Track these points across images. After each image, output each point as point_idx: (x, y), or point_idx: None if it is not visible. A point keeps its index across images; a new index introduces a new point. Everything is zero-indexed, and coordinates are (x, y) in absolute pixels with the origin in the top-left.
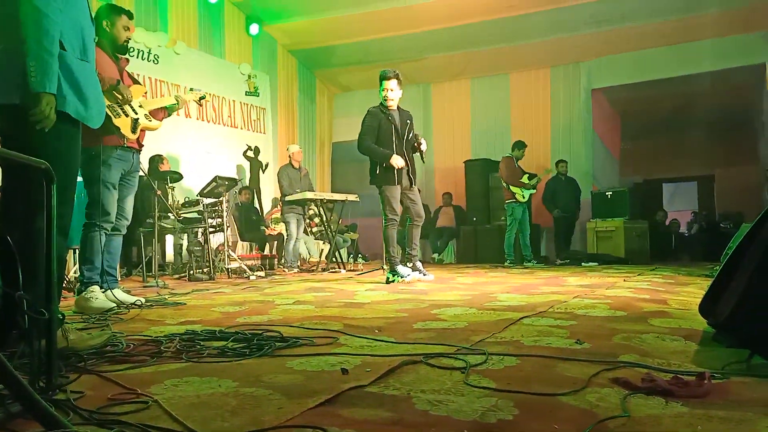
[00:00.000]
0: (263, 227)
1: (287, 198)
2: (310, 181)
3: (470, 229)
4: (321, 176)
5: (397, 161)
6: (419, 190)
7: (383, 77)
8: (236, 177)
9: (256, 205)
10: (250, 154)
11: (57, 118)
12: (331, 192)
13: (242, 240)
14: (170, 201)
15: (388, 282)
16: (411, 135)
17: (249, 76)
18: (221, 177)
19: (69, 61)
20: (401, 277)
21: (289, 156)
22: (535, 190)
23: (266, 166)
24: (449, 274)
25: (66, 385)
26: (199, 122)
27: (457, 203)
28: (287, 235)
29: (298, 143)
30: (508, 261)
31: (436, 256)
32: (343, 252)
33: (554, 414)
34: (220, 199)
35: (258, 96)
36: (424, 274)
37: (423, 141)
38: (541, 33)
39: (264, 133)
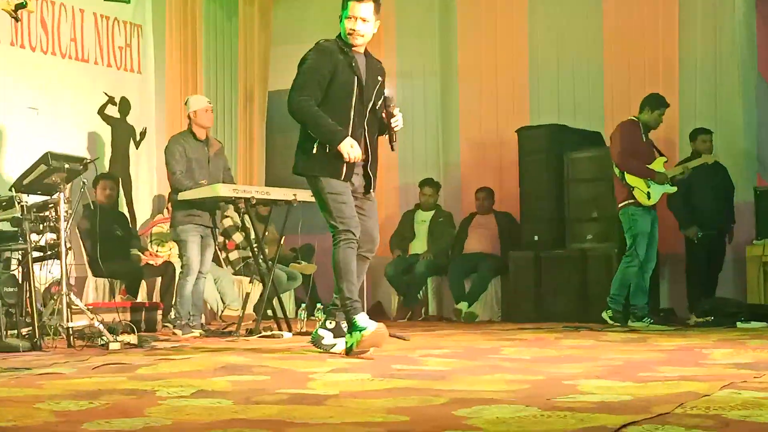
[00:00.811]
0: (136, 251)
1: (182, 196)
2: (226, 165)
3: (527, 258)
4: (247, 157)
5: (352, 150)
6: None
7: None
8: (85, 156)
9: (124, 209)
10: (113, 112)
11: None
12: (267, 185)
13: (96, 275)
14: None
15: (348, 351)
16: (380, 102)
17: None
18: (56, 155)
19: None
20: (327, 347)
21: (189, 117)
22: (675, 188)
23: (142, 134)
24: (487, 341)
25: None
26: (14, 50)
27: (503, 208)
28: (182, 267)
29: (204, 93)
30: (612, 313)
31: (462, 307)
32: (288, 298)
33: None
34: (55, 196)
35: (128, 1)
36: None
37: (398, 113)
38: None
39: (140, 72)
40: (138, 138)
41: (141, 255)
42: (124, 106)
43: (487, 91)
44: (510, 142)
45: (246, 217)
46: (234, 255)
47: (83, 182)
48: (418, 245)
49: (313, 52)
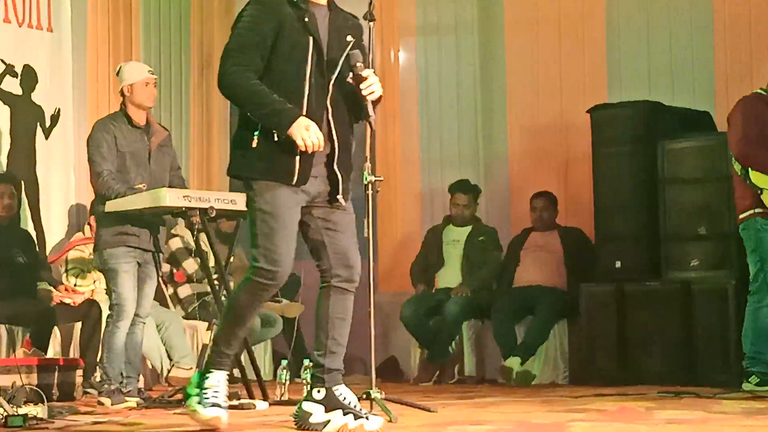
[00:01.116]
0: (45, 285)
1: (111, 206)
2: (175, 162)
3: (606, 294)
4: (204, 150)
5: (308, 134)
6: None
7: None
8: None
9: (28, 225)
10: (12, 86)
11: None
12: (231, 190)
13: None
14: None
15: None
16: (351, 71)
17: None
18: None
19: None
20: (318, 427)
21: (122, 93)
22: None
23: (54, 118)
24: (550, 412)
25: None
26: None
27: (570, 222)
28: (111, 308)
29: (143, 60)
30: (757, 379)
31: (513, 365)
32: (263, 352)
33: None
34: None
35: None
36: (364, 416)
37: (370, 75)
38: None
39: (50, 29)
40: (48, 124)
41: (53, 291)
42: (29, 78)
43: (546, 54)
44: (580, 128)
45: (202, 236)
46: (185, 290)
47: None
48: (449, 275)
49: (251, 6)
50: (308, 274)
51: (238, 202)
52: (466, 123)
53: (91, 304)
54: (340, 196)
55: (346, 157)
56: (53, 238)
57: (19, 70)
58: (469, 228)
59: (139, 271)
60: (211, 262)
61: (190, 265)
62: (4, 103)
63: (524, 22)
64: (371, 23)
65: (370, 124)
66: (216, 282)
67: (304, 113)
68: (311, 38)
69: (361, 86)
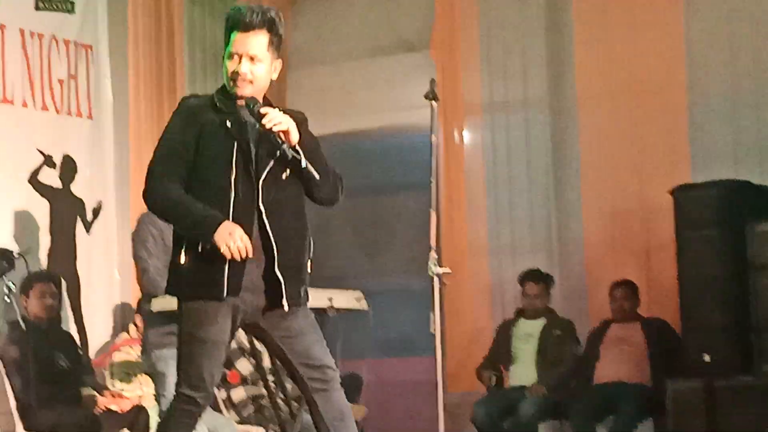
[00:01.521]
0: (89, 390)
1: (158, 304)
2: None
3: (695, 391)
4: None
5: (231, 239)
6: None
7: (233, 24)
8: (10, 248)
9: (70, 326)
10: (51, 179)
11: None
12: None
13: (30, 428)
14: None
15: None
16: (285, 172)
17: None
18: None
19: None
20: None
21: None
22: None
23: (96, 212)
24: None
25: None
26: None
27: (654, 312)
28: (161, 414)
29: None
30: None
31: None
32: None
33: None
34: None
35: (71, 10)
36: None
37: (276, 116)
38: None
39: (90, 117)
40: (90, 217)
41: (97, 396)
42: (68, 169)
43: (623, 130)
44: (661, 210)
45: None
46: (239, 393)
47: (8, 287)
48: (523, 372)
49: (173, 115)
50: (370, 374)
51: None
52: (538, 206)
53: (139, 410)
54: (284, 302)
55: (291, 258)
56: (97, 339)
57: (57, 160)
58: (543, 321)
59: None
60: (267, 363)
61: (244, 365)
62: (43, 196)
63: (598, 95)
64: (434, 103)
65: (284, 154)
66: (272, 384)
67: (232, 218)
68: (234, 142)
69: (263, 122)
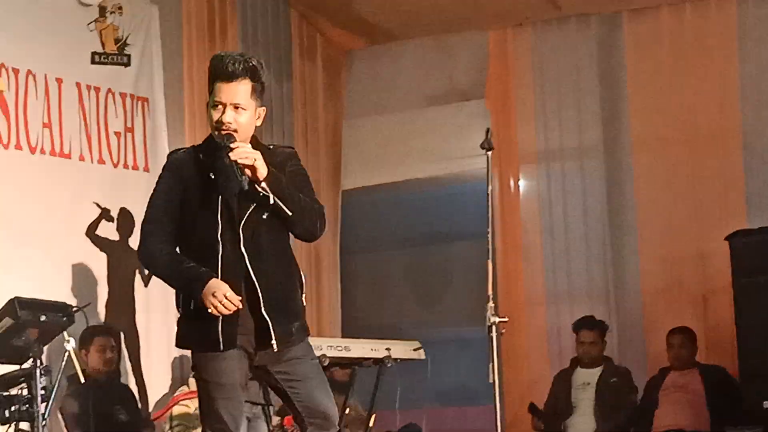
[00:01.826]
0: None
1: None
2: None
3: None
4: (314, 292)
5: (216, 300)
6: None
7: (216, 74)
8: (69, 302)
9: (129, 380)
10: (109, 232)
11: None
12: (344, 336)
13: None
14: None
15: None
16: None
17: (103, 11)
18: (27, 302)
19: None
20: None
21: None
22: None
23: None
24: None
25: None
26: None
27: (712, 359)
28: None
29: None
30: None
31: None
32: None
33: None
34: (27, 366)
35: (127, 63)
36: None
37: (243, 148)
38: None
39: (147, 170)
40: (147, 270)
41: None
42: (126, 222)
43: (679, 176)
44: (718, 255)
45: None
46: None
47: (68, 341)
48: (581, 422)
49: (161, 173)
50: (429, 424)
51: (353, 349)
52: (594, 254)
53: None
54: (273, 342)
55: (277, 298)
56: (156, 392)
57: (115, 214)
58: (599, 369)
59: (248, 427)
60: None
61: None
62: (101, 250)
63: (653, 142)
64: (489, 153)
65: (242, 187)
66: None
67: (221, 271)
68: (218, 196)
69: (230, 154)
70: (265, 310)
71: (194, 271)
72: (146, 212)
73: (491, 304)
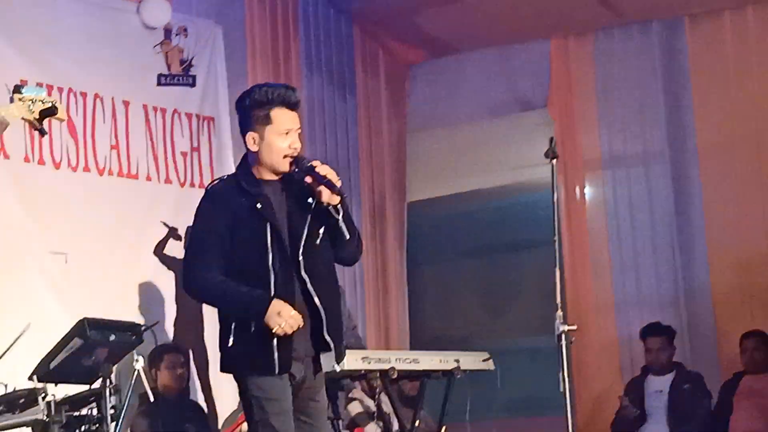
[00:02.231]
0: None
1: None
2: (348, 320)
3: None
4: (381, 305)
5: (282, 319)
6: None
7: (278, 101)
8: (138, 321)
9: (198, 397)
10: (177, 250)
11: None
12: (413, 348)
13: None
14: None
15: None
16: (320, 229)
17: (168, 34)
18: (96, 322)
19: None
20: None
21: None
22: None
23: None
24: None
25: None
26: (29, 169)
27: None
28: None
29: None
30: None
31: None
32: None
33: None
34: (97, 385)
35: (193, 84)
36: None
37: (323, 166)
38: None
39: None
40: None
41: None
42: None
43: (746, 179)
44: None
45: (383, 398)
46: None
47: (137, 360)
48: (655, 430)
49: (203, 201)
50: None
51: (421, 361)
52: (663, 259)
53: None
54: (334, 363)
55: (336, 322)
56: (225, 409)
57: (182, 232)
58: (671, 375)
59: None
60: (395, 427)
61: (372, 430)
62: (169, 269)
63: (719, 144)
64: (553, 161)
65: (325, 209)
66: None
67: (271, 295)
68: (267, 224)
69: (317, 169)
70: (328, 333)
71: (253, 294)
72: (191, 244)
73: (560, 312)
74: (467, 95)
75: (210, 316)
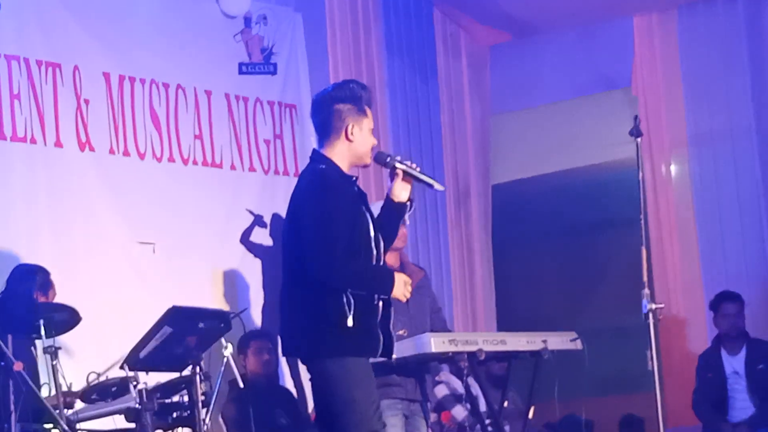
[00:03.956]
0: None
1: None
2: (435, 304)
3: None
4: (467, 288)
5: (406, 290)
6: None
7: (368, 101)
8: (226, 308)
9: (287, 383)
10: (262, 238)
11: None
12: (499, 329)
13: None
14: (49, 389)
15: None
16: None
17: (248, 22)
18: (185, 310)
19: None
20: None
21: None
22: None
23: None
24: None
25: None
26: (114, 161)
27: None
28: None
29: None
30: None
31: None
32: None
33: None
34: (187, 372)
35: (274, 72)
36: None
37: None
38: None
39: (296, 175)
40: None
41: None
42: (279, 227)
43: None
44: None
45: (471, 380)
46: None
47: (225, 347)
48: (740, 410)
49: (322, 192)
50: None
51: (509, 342)
52: (750, 237)
53: None
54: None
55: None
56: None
57: (267, 219)
58: (743, 354)
59: (406, 424)
60: (483, 407)
61: (460, 412)
62: (255, 256)
63: None
64: (638, 139)
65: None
66: (489, 428)
67: None
68: (368, 214)
69: (405, 162)
70: (392, 325)
71: (382, 269)
72: (329, 231)
73: (647, 290)
74: (549, 75)
75: None
